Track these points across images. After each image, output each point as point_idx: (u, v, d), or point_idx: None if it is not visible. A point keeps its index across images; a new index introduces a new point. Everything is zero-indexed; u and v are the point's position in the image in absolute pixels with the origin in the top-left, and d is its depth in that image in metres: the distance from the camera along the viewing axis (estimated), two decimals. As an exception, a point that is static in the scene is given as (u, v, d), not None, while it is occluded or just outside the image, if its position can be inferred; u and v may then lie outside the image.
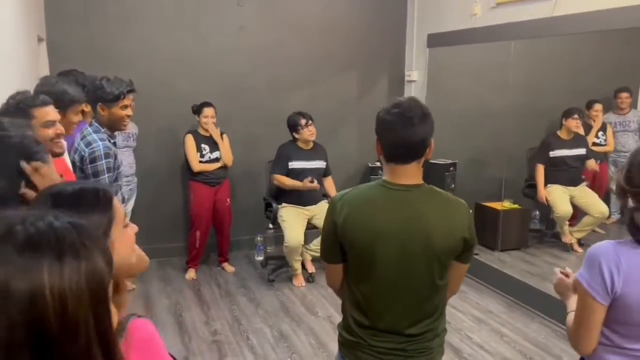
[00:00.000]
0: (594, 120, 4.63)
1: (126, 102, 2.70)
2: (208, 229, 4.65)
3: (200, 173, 4.50)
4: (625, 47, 4.16)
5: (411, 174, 1.65)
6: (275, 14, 5.02)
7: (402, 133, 1.60)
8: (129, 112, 2.73)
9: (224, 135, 4.61)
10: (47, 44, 4.21)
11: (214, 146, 4.52)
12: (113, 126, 2.72)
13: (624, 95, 4.46)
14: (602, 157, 4.72)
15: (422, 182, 1.68)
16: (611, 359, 1.50)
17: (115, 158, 2.62)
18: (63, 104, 2.26)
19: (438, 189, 1.73)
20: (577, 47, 4.42)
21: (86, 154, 2.53)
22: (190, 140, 4.48)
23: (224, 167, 4.58)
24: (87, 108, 2.98)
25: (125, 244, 1.10)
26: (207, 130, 4.47)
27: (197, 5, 4.76)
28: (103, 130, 2.65)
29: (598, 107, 4.63)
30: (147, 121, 4.57)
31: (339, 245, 1.68)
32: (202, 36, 4.82)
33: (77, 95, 2.40)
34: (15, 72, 2.79)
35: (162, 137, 4.84)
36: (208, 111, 4.44)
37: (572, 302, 1.61)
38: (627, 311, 1.43)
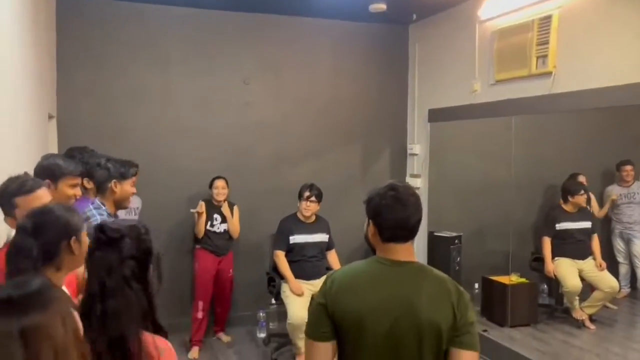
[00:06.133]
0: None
1: (134, 179, 2.88)
2: (210, 299, 4.60)
3: (206, 240, 4.55)
4: (624, 122, 4.24)
5: (407, 252, 1.71)
6: (281, 91, 5.17)
7: (402, 215, 1.67)
8: (134, 189, 2.89)
9: (235, 207, 4.67)
10: (57, 121, 4.31)
11: (225, 218, 4.59)
12: (120, 203, 2.83)
13: (628, 167, 4.51)
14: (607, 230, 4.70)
15: (414, 259, 1.73)
16: None
17: None
18: (55, 176, 2.38)
19: (428, 266, 1.75)
20: (578, 121, 4.50)
21: None
22: (201, 208, 4.56)
23: (230, 238, 4.62)
24: (89, 185, 3.03)
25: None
26: (219, 202, 4.53)
27: (204, 83, 4.91)
28: (104, 208, 2.70)
29: (581, 178, 4.66)
30: (151, 196, 4.59)
31: (328, 320, 1.66)
32: (208, 113, 4.94)
33: (69, 168, 2.46)
34: (26, 149, 2.85)
35: (167, 211, 4.84)
36: (218, 182, 4.57)
37: None
38: None
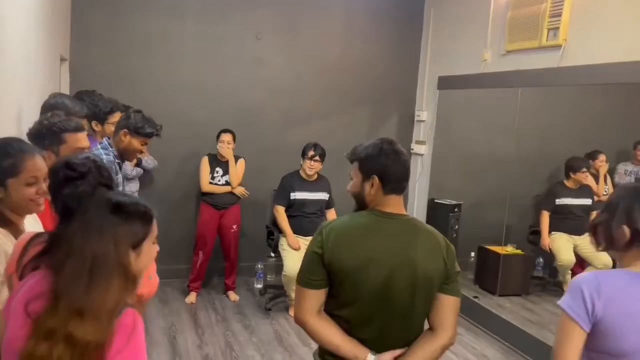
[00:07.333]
0: (598, 171, 4.64)
1: (148, 141, 2.85)
2: (210, 251, 4.71)
3: (208, 194, 4.63)
4: (633, 100, 4.19)
5: (401, 204, 1.79)
6: (292, 49, 5.17)
7: (404, 166, 1.77)
8: (145, 149, 2.88)
9: (240, 160, 4.72)
10: (69, 64, 4.37)
11: (228, 171, 4.64)
12: (124, 154, 2.85)
13: None
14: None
15: (405, 211, 1.80)
16: None
17: (117, 174, 2.72)
18: None
19: (417, 219, 1.84)
20: (585, 97, 4.46)
21: None
22: (204, 162, 4.65)
23: (232, 192, 4.68)
24: (97, 127, 3.10)
25: (148, 255, 1.36)
26: (223, 155, 4.60)
27: (217, 37, 4.93)
28: (112, 149, 2.76)
29: (602, 157, 4.66)
30: (160, 146, 4.67)
31: (322, 269, 1.70)
32: (220, 65, 4.97)
33: (75, 108, 2.56)
34: (37, 89, 2.91)
35: (176, 162, 4.93)
36: (224, 136, 4.60)
37: None
38: (607, 337, 1.44)
